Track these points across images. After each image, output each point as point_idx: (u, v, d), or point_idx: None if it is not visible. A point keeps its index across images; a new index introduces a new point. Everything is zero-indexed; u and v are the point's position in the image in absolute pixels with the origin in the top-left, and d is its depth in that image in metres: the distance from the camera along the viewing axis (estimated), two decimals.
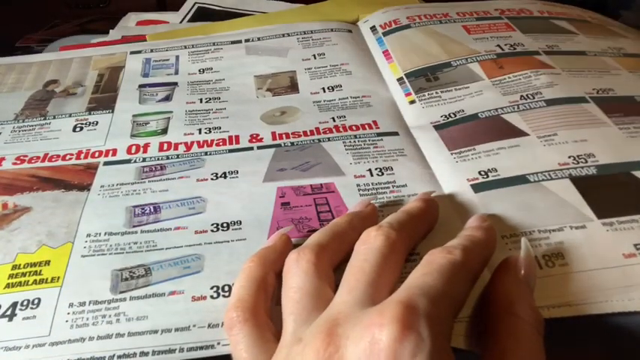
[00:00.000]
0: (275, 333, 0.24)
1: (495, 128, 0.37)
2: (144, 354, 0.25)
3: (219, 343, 0.25)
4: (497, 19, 0.51)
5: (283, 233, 0.29)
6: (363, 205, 0.31)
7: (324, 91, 0.44)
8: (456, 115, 0.39)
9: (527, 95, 0.40)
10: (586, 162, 0.33)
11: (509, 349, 0.22)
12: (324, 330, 0.21)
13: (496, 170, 0.34)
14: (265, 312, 0.25)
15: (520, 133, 0.36)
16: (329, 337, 0.21)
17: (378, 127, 0.39)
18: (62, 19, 0.68)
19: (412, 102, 0.41)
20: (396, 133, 0.39)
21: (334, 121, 0.40)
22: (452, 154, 0.36)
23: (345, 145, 0.37)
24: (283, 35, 0.51)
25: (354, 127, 0.39)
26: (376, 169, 0.35)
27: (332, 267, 0.26)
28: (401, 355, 0.19)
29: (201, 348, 0.25)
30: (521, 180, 0.33)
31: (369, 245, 0.26)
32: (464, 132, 0.37)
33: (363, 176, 0.35)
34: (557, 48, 0.46)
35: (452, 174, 0.34)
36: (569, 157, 0.34)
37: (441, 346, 0.20)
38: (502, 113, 0.38)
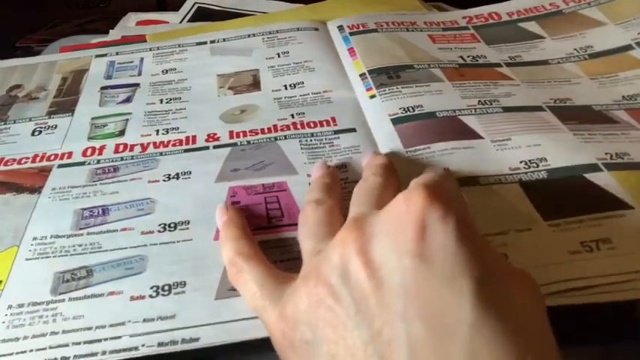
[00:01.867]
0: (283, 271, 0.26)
1: (452, 128, 0.37)
2: (75, 343, 0.25)
3: (143, 345, 0.25)
4: (464, 30, 0.51)
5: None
6: (323, 169, 0.33)
7: (286, 89, 0.44)
8: (414, 110, 0.39)
9: (485, 101, 0.39)
10: (537, 166, 0.33)
11: None
12: (350, 225, 0.22)
13: (449, 170, 0.33)
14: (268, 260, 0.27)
15: (475, 136, 0.36)
16: (357, 228, 0.22)
17: (336, 124, 0.39)
18: (62, 19, 0.69)
19: (372, 97, 0.41)
20: (353, 130, 0.38)
21: (293, 117, 0.40)
22: (407, 151, 0.35)
23: (301, 144, 0.37)
24: (249, 36, 0.51)
25: (311, 124, 0.39)
26: (338, 164, 0.35)
27: (339, 206, 0.29)
28: (430, 218, 0.20)
29: (127, 350, 0.25)
30: (472, 182, 0.33)
31: (369, 181, 0.29)
32: (420, 129, 0.37)
33: None
34: (520, 59, 0.46)
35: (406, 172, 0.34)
36: (521, 162, 0.34)
37: (466, 215, 0.22)
38: (459, 115, 0.38)
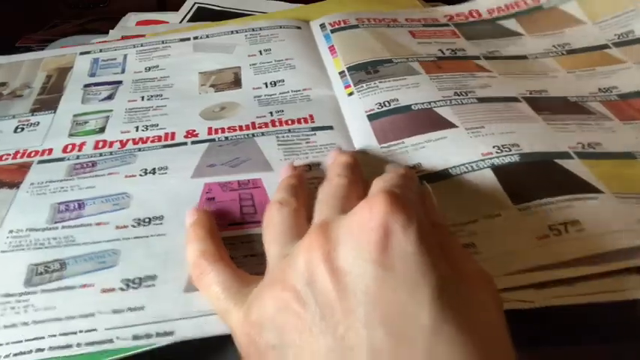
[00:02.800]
0: (248, 273, 0.26)
1: (426, 120, 0.37)
2: (51, 335, 0.26)
3: (118, 338, 0.25)
4: (444, 26, 0.52)
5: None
6: (291, 170, 0.33)
7: (266, 86, 0.44)
8: (390, 104, 0.39)
9: (460, 92, 0.40)
10: (510, 151, 0.33)
11: None
12: (316, 231, 0.23)
13: (421, 165, 0.34)
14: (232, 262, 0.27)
15: (449, 125, 0.36)
16: (322, 234, 0.22)
17: (314, 122, 0.40)
18: (62, 19, 0.69)
19: (350, 94, 0.42)
20: (330, 127, 0.39)
21: (272, 115, 0.40)
22: (381, 147, 0.36)
23: (277, 140, 0.38)
24: (232, 32, 0.52)
25: (289, 122, 0.40)
26: (305, 165, 0.35)
27: (304, 209, 0.29)
28: (393, 227, 0.21)
29: (102, 342, 0.25)
30: (443, 175, 0.33)
31: (334, 183, 0.29)
32: (395, 124, 0.38)
33: None
34: (498, 53, 0.47)
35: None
36: (494, 146, 0.34)
37: (426, 223, 0.22)
38: (434, 106, 0.39)
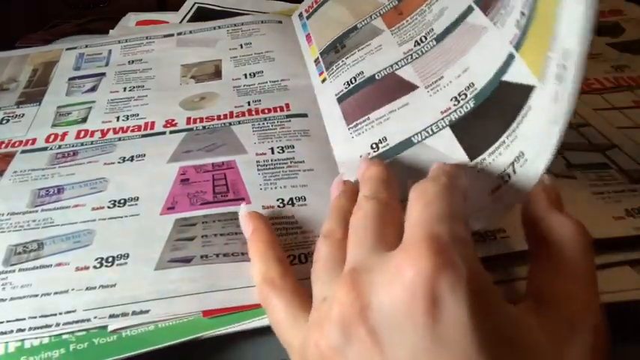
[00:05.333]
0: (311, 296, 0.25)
1: (389, 89, 0.37)
2: (31, 317, 0.27)
3: (95, 317, 0.27)
4: None
5: None
6: (341, 187, 0.30)
7: (246, 77, 0.45)
8: (356, 80, 0.40)
9: (420, 38, 0.39)
10: (466, 97, 0.32)
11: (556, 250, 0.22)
12: (346, 281, 0.21)
13: (386, 139, 0.35)
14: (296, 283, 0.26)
15: (410, 88, 0.36)
16: (353, 288, 0.20)
17: (289, 110, 0.41)
18: (62, 19, 0.69)
19: (324, 80, 0.43)
20: (305, 115, 0.40)
21: (249, 105, 0.42)
22: (349, 128, 0.37)
23: (253, 127, 0.39)
24: (214, 28, 0.53)
25: (265, 110, 0.41)
26: (278, 147, 0.37)
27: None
28: (440, 290, 0.18)
29: (77, 321, 0.26)
30: (407, 144, 0.33)
31: (364, 209, 0.25)
32: (361, 100, 0.38)
33: (264, 154, 0.36)
34: None
35: (348, 152, 0.36)
36: (452, 99, 0.33)
37: (476, 270, 0.20)
38: (396, 69, 0.38)
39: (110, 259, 0.29)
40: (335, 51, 0.44)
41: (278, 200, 0.32)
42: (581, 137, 0.38)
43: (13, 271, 0.29)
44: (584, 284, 0.22)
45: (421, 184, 0.24)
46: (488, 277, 0.20)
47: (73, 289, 0.28)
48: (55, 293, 0.28)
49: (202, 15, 0.60)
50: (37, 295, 0.27)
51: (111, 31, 0.57)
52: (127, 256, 0.29)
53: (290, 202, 0.32)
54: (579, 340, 0.20)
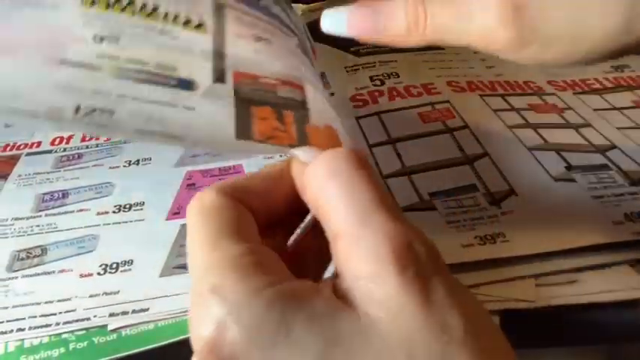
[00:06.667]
0: None
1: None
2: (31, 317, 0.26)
3: (95, 316, 0.26)
4: None
5: None
6: None
7: None
8: None
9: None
10: None
11: None
12: None
13: None
14: None
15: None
16: None
17: None
18: None
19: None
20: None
21: None
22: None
23: None
24: None
25: None
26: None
27: None
28: None
29: (76, 320, 0.26)
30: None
31: None
32: None
33: (271, 157, 0.35)
34: None
35: None
36: None
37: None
38: None
39: (114, 266, 0.29)
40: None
41: None
42: (581, 138, 0.37)
43: (16, 277, 0.28)
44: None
45: None
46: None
47: (76, 297, 0.27)
48: (58, 301, 0.27)
49: None
50: (39, 303, 0.27)
51: None
52: (132, 262, 0.29)
53: None
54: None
